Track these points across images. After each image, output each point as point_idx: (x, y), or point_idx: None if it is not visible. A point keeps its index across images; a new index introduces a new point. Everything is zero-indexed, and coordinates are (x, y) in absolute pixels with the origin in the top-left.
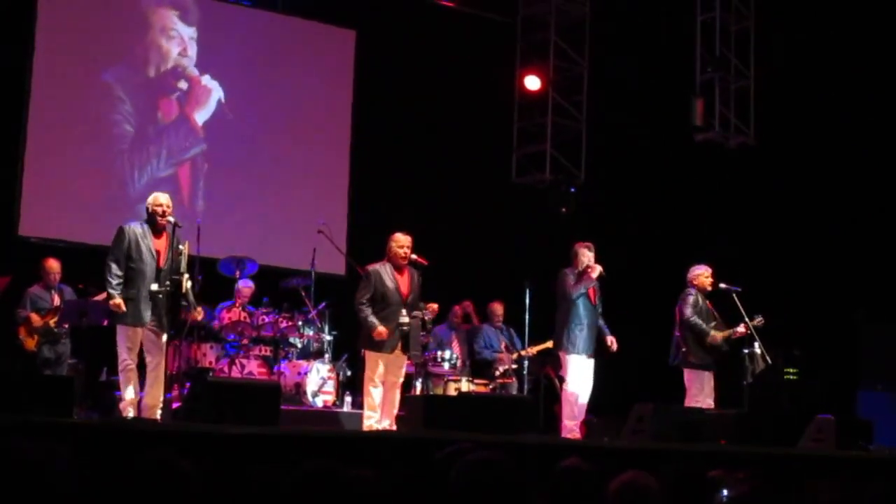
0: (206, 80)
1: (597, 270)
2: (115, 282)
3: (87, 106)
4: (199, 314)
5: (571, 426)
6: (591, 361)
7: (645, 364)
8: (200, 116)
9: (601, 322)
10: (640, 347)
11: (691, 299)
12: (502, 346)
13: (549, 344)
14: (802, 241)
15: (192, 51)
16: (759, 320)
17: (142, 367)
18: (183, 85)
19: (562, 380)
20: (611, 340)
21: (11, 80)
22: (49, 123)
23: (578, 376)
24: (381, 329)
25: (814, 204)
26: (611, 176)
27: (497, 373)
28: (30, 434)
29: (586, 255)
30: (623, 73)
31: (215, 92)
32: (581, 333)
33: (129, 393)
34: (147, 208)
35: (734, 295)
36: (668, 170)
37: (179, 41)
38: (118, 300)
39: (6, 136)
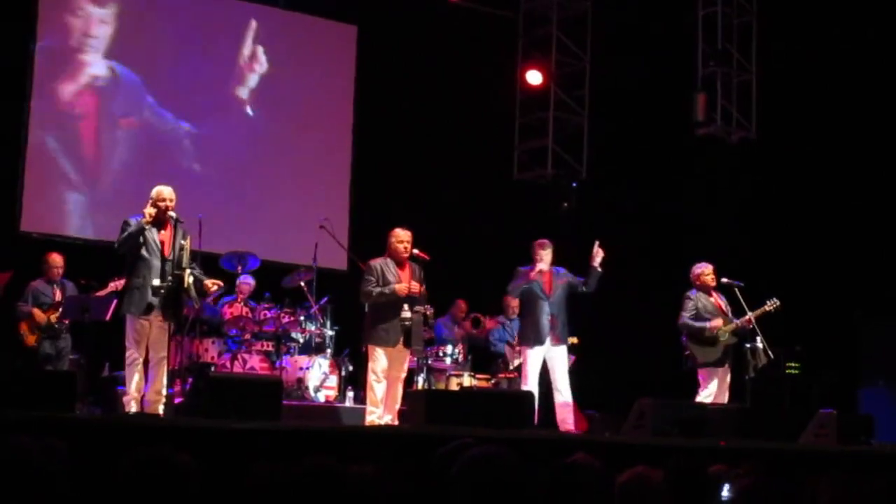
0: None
1: (535, 271)
2: (127, 232)
3: (90, 100)
4: (214, 284)
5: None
6: (556, 350)
7: (648, 360)
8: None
9: (586, 284)
10: (643, 343)
11: (689, 304)
12: (516, 339)
13: (574, 339)
14: (804, 237)
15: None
16: (772, 303)
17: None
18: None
19: None
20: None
21: (13, 74)
22: (50, 117)
23: (533, 368)
24: (399, 285)
25: (816, 199)
26: (613, 171)
27: (511, 366)
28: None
29: (538, 253)
30: (625, 67)
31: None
32: (531, 326)
33: (132, 387)
34: (150, 201)
35: (736, 289)
36: (670, 165)
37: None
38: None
39: (8, 132)
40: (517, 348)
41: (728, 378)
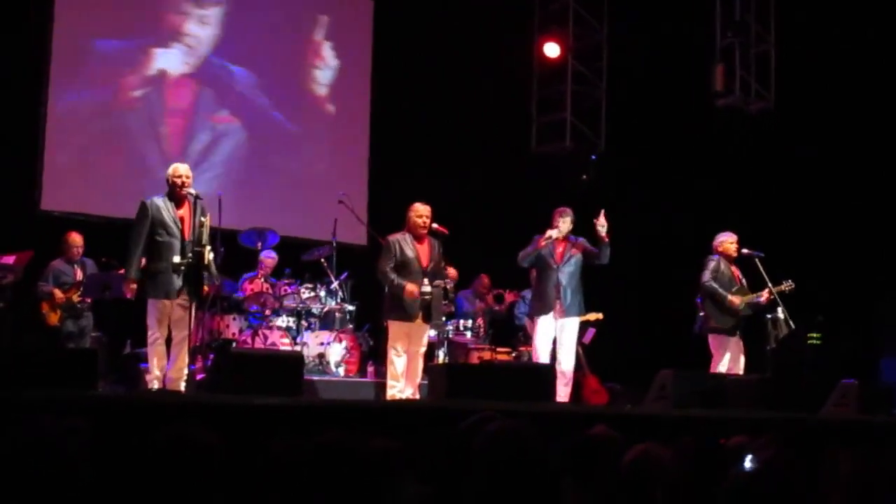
0: (227, 59)
1: (545, 237)
2: (132, 263)
3: (110, 80)
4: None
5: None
6: (564, 322)
7: (670, 332)
8: (219, 96)
9: (594, 255)
10: (664, 315)
11: (712, 265)
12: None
13: (599, 315)
14: (824, 206)
15: (213, 30)
16: (788, 285)
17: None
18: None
19: (584, 347)
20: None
21: (32, 52)
22: (70, 97)
23: (541, 338)
24: (411, 287)
25: (835, 169)
26: (631, 143)
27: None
28: (53, 409)
29: (556, 220)
30: (643, 39)
31: (235, 71)
32: (539, 296)
33: (155, 365)
34: (167, 179)
35: (757, 260)
36: (689, 136)
37: (200, 19)
38: (132, 285)
39: (28, 111)
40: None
41: (741, 348)
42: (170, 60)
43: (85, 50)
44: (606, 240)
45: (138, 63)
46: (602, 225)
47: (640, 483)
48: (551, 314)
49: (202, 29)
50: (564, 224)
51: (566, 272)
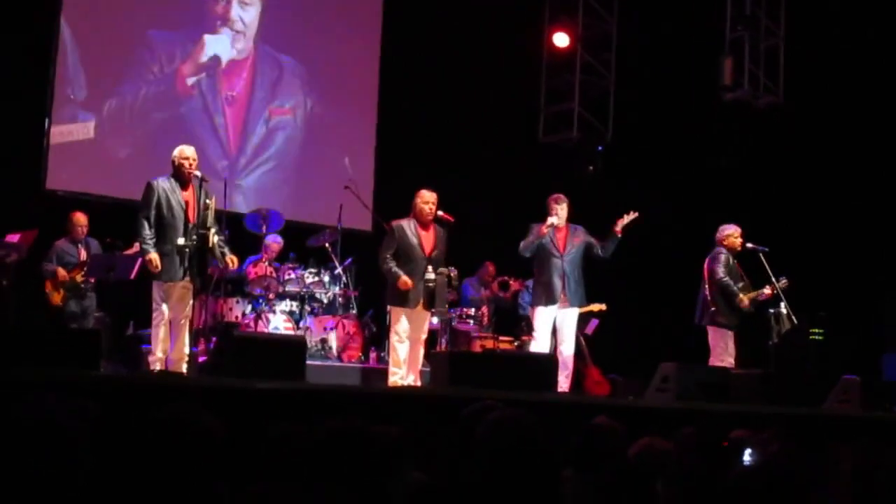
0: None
1: (546, 224)
2: (148, 238)
3: (117, 61)
4: (233, 262)
5: None
6: (566, 312)
7: (671, 324)
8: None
9: (604, 248)
10: (666, 307)
11: (723, 258)
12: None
13: (602, 306)
14: (829, 202)
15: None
16: (784, 282)
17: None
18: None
19: (586, 338)
20: (622, 220)
21: (40, 29)
22: (76, 76)
23: (544, 329)
24: (406, 278)
25: (842, 165)
26: (639, 135)
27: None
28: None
29: (553, 209)
30: (652, 30)
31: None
32: (542, 285)
33: (158, 347)
34: (173, 161)
35: (761, 255)
36: (697, 128)
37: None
38: (152, 255)
39: (34, 89)
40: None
41: (734, 342)
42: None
43: (97, 29)
44: (619, 236)
45: (149, 46)
46: (624, 220)
47: (644, 476)
48: (555, 305)
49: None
50: (563, 211)
51: (570, 261)
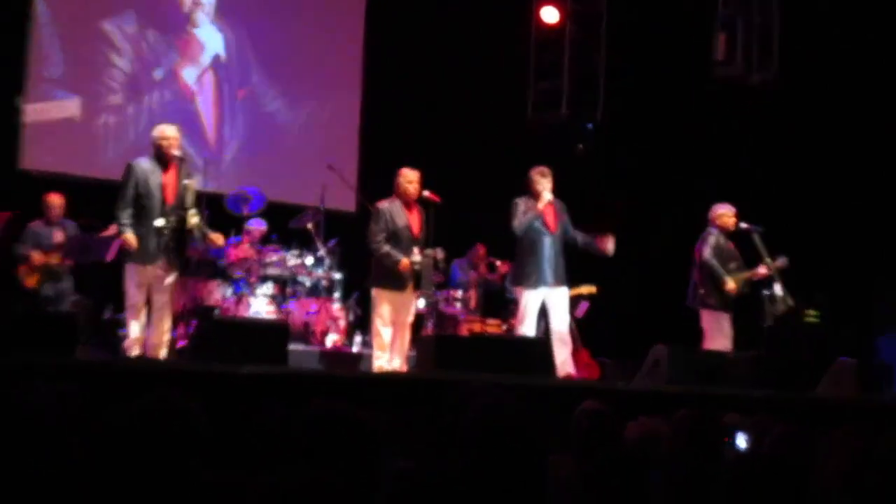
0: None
1: (542, 201)
2: (124, 219)
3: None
4: (219, 238)
5: None
6: (558, 291)
7: (662, 306)
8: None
9: (578, 235)
10: (657, 289)
11: (711, 240)
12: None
13: (592, 289)
14: (825, 182)
15: None
16: (782, 262)
17: (146, 306)
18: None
19: (576, 321)
20: (604, 241)
21: (14, 4)
22: (52, 54)
23: (532, 312)
24: (405, 260)
25: (840, 143)
26: (630, 112)
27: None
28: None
29: (540, 182)
30: (644, 5)
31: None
32: (532, 265)
33: (134, 330)
34: (153, 141)
35: (755, 235)
36: (689, 106)
37: None
38: (129, 235)
39: (6, 66)
40: (516, 290)
41: (730, 325)
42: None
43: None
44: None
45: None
46: (608, 244)
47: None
48: (545, 287)
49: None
50: (549, 185)
51: (559, 240)
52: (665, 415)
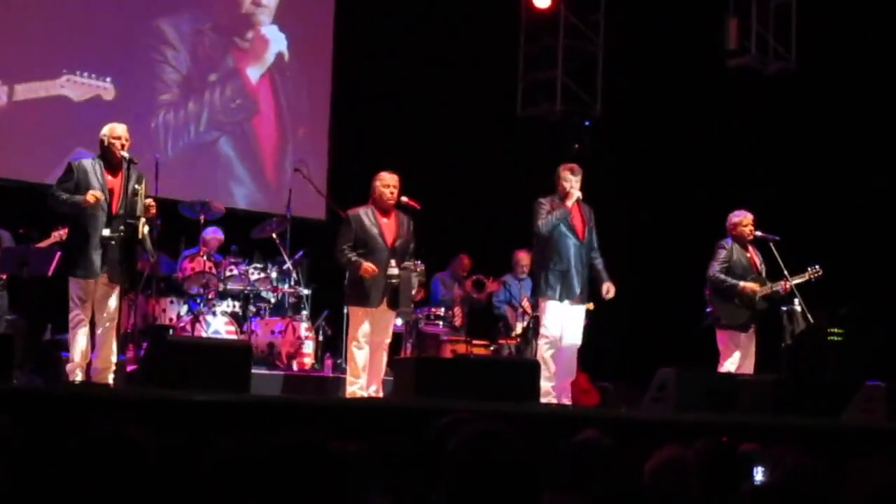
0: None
1: (571, 198)
2: (64, 196)
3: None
4: (152, 207)
5: (548, 389)
6: (579, 308)
7: (670, 324)
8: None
9: (598, 262)
10: (664, 305)
11: (722, 254)
12: (524, 300)
13: (590, 305)
14: (849, 182)
15: None
16: (814, 271)
17: (91, 325)
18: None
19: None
20: (607, 287)
21: None
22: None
23: (557, 326)
24: (368, 264)
25: (862, 138)
26: (631, 107)
27: (514, 331)
28: None
29: (569, 180)
30: None
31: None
32: (561, 276)
33: (77, 353)
34: (102, 140)
35: (772, 245)
36: (698, 100)
37: None
38: (89, 194)
39: None
40: (530, 301)
41: (752, 344)
42: None
43: None
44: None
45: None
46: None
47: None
48: (570, 301)
49: None
50: (578, 183)
51: (587, 249)
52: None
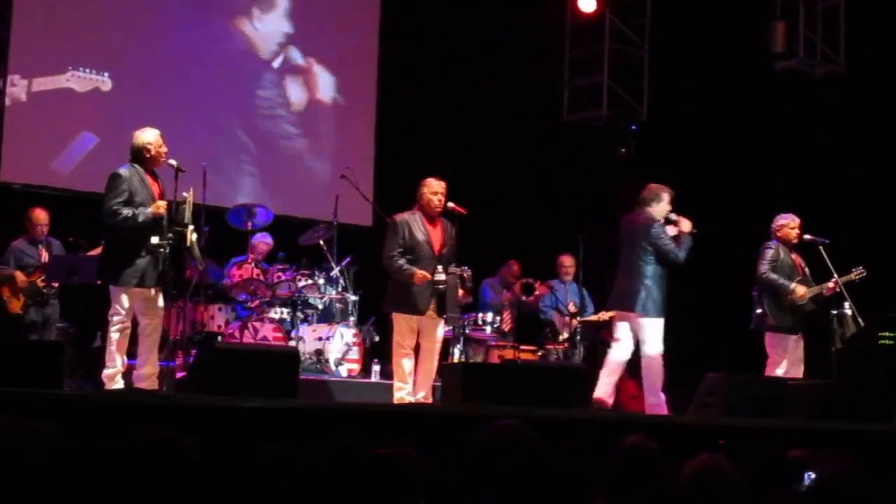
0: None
1: (684, 223)
2: (134, 212)
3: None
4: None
5: (654, 402)
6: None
7: (718, 329)
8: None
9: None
10: (712, 310)
11: (769, 253)
12: (569, 305)
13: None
14: None
15: None
16: (858, 272)
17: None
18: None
19: None
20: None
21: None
22: (33, 52)
23: (658, 342)
24: (420, 272)
25: None
26: (677, 111)
27: (561, 336)
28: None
29: (668, 202)
30: None
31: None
32: (663, 293)
33: (115, 361)
34: (142, 148)
35: (821, 248)
36: (744, 104)
37: None
38: (153, 207)
39: None
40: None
41: (801, 348)
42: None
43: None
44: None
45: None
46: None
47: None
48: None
49: None
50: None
51: None
52: (723, 451)
